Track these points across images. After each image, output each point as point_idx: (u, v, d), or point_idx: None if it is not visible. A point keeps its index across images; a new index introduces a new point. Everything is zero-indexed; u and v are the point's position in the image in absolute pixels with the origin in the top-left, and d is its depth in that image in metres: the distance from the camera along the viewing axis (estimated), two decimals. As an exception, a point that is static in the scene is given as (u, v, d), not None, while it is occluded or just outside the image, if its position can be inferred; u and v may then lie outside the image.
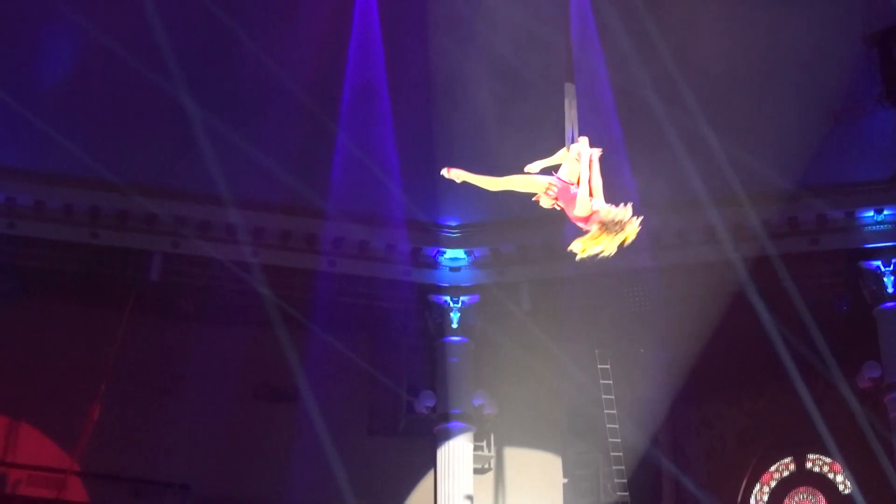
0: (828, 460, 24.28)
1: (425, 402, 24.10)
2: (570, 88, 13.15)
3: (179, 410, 23.61)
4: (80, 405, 22.82)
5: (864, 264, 22.68)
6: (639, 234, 12.13)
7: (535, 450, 24.56)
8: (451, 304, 24.20)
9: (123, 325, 22.74)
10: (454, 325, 24.17)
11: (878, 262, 22.60)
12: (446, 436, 23.98)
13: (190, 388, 23.60)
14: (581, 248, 12.05)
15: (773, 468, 24.79)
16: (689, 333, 22.76)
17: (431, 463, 24.07)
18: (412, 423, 24.33)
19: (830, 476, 24.31)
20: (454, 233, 23.97)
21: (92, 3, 21.02)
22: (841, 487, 24.14)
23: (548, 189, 12.40)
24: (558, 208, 12.49)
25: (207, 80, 21.64)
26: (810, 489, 24.46)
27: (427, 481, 24.16)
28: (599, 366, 23.69)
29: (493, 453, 24.54)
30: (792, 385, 22.16)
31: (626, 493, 23.14)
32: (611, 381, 23.48)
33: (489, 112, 22.27)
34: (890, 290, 22.54)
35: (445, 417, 24.02)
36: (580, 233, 12.22)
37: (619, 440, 23.47)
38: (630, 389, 23.81)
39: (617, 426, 23.46)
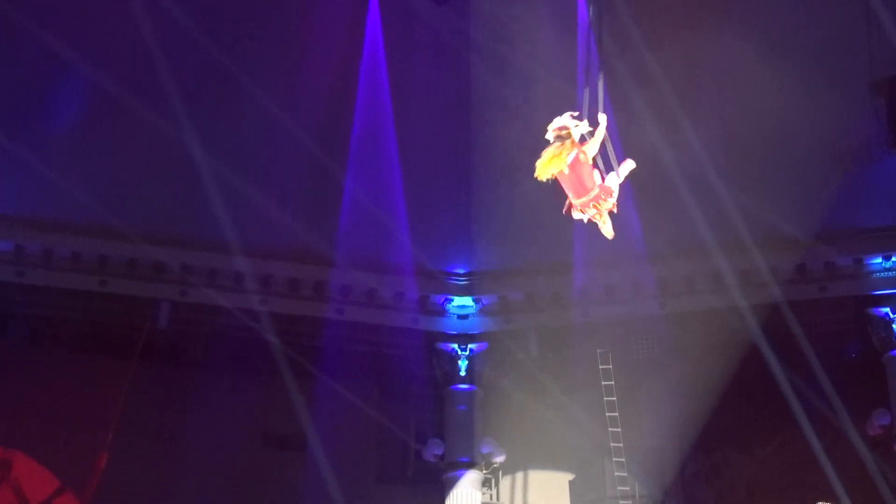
0: (838, 507, 24.14)
1: (433, 450, 24.05)
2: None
3: (187, 458, 23.47)
4: (87, 453, 22.78)
5: (872, 311, 22.68)
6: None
7: (544, 498, 24.47)
8: (459, 352, 24.19)
9: (131, 374, 22.72)
10: (462, 373, 24.15)
11: (887, 309, 22.60)
12: (454, 484, 23.94)
13: (198, 436, 23.49)
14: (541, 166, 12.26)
15: (783, 517, 24.68)
16: (698, 381, 22.71)
17: (440, 510, 24.07)
18: (420, 471, 24.25)
19: (840, 524, 24.16)
20: (462, 280, 23.99)
21: (101, 51, 21.14)
22: (851, 535, 23.98)
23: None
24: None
25: (216, 127, 21.78)
26: (821, 537, 24.30)
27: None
28: (608, 413, 23.61)
29: (501, 501, 24.44)
30: (801, 432, 22.11)
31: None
32: (619, 429, 23.42)
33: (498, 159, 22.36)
34: (899, 336, 22.57)
35: (453, 465, 23.98)
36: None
37: (627, 488, 23.38)
38: (639, 437, 23.72)
39: (626, 474, 23.37)
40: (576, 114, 12.90)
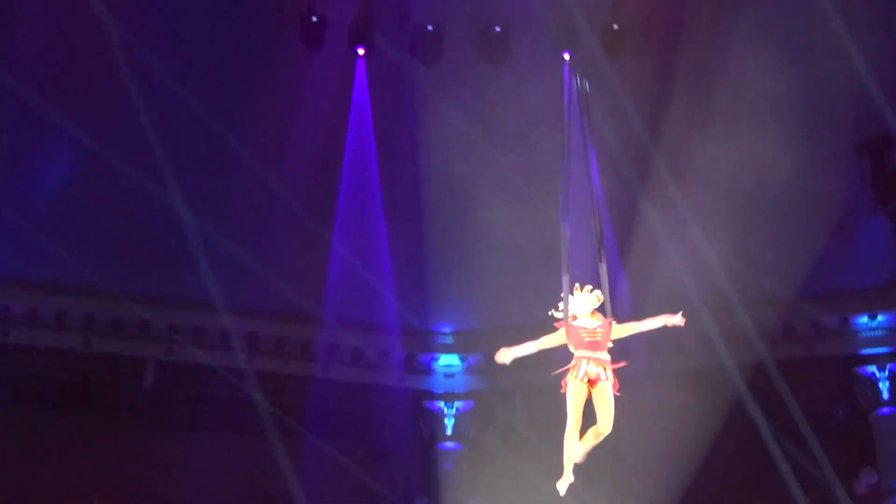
0: (826, 567, 24.07)
1: (420, 509, 24.02)
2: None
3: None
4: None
5: (859, 370, 22.72)
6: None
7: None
8: (446, 411, 24.19)
9: (116, 436, 22.70)
10: (448, 432, 24.14)
11: (874, 368, 22.65)
12: (442, 540, 23.95)
13: (183, 496, 23.36)
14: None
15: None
16: (685, 441, 22.67)
17: (427, 570, 23.97)
18: (407, 529, 24.21)
19: (829, 584, 24.08)
20: (448, 339, 23.99)
21: (87, 112, 21.18)
22: None
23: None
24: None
25: (202, 189, 21.80)
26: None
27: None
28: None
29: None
30: (789, 492, 22.09)
31: None
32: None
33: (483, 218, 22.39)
34: (885, 395, 22.57)
35: (441, 524, 23.96)
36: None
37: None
38: (626, 498, 23.62)
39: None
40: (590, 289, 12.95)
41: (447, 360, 24.11)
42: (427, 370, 24.17)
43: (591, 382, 12.66)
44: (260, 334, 23.31)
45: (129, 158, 20.93)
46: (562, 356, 13.19)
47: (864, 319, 22.62)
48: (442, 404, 24.21)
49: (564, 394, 12.89)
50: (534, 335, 22.63)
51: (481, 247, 22.56)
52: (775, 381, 21.82)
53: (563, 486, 13.06)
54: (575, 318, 12.96)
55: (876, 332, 22.60)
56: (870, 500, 22.71)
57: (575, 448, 12.80)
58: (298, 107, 22.13)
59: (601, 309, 13.12)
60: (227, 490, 23.51)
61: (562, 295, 13.10)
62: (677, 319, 12.91)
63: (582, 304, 12.87)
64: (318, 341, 23.55)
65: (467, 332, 23.87)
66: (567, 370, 12.85)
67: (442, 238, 22.90)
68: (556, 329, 13.03)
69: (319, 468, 23.38)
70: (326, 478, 23.48)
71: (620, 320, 13.27)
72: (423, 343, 24.04)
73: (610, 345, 12.98)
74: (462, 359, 24.04)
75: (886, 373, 22.58)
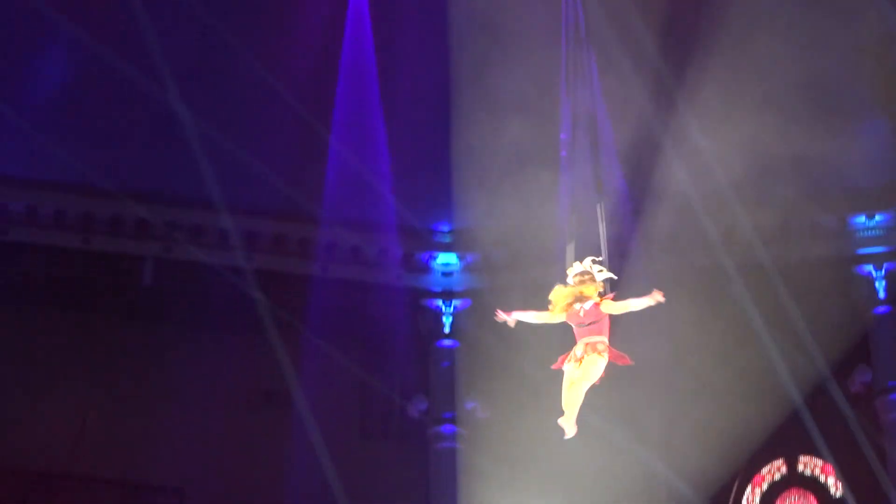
0: (819, 462, 24.30)
1: (418, 406, 24.17)
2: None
3: (173, 415, 23.47)
4: (71, 411, 22.84)
5: (856, 270, 22.80)
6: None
7: (528, 452, 24.50)
8: (444, 309, 24.26)
9: (115, 334, 22.80)
10: (446, 330, 24.24)
11: (870, 268, 22.72)
12: (439, 439, 24.09)
13: (183, 393, 23.44)
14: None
15: (764, 470, 24.79)
16: (682, 342, 22.79)
17: (425, 466, 24.15)
18: (405, 427, 24.37)
19: (822, 479, 24.33)
20: (446, 237, 24.01)
21: (84, 12, 21.01)
22: (832, 490, 24.14)
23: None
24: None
25: (200, 86, 21.71)
26: (801, 492, 24.47)
27: (420, 484, 24.19)
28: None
29: (485, 456, 24.52)
30: (783, 389, 22.27)
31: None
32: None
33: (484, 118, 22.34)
34: (881, 295, 22.66)
35: (438, 421, 24.11)
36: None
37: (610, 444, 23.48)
38: (622, 392, 23.73)
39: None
40: (599, 258, 12.77)
41: (445, 259, 24.13)
42: (425, 268, 24.17)
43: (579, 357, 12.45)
44: (259, 233, 23.30)
45: (128, 56, 20.82)
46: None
47: (861, 219, 22.65)
48: (440, 302, 24.26)
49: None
50: (530, 233, 22.88)
51: (481, 146, 22.51)
52: (773, 280, 21.90)
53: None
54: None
55: (873, 232, 22.63)
56: (864, 398, 22.91)
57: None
58: (297, 3, 21.96)
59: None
60: (227, 387, 23.62)
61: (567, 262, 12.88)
62: (660, 297, 12.68)
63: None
64: (317, 240, 23.55)
65: (465, 231, 23.84)
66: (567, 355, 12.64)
67: (441, 137, 22.82)
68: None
69: (318, 366, 23.48)
70: (325, 375, 23.60)
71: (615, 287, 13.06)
72: (421, 241, 24.03)
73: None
74: (460, 257, 24.06)
75: (883, 272, 22.67)
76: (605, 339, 12.48)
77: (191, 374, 23.40)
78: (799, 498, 24.52)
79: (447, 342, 24.27)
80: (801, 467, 24.60)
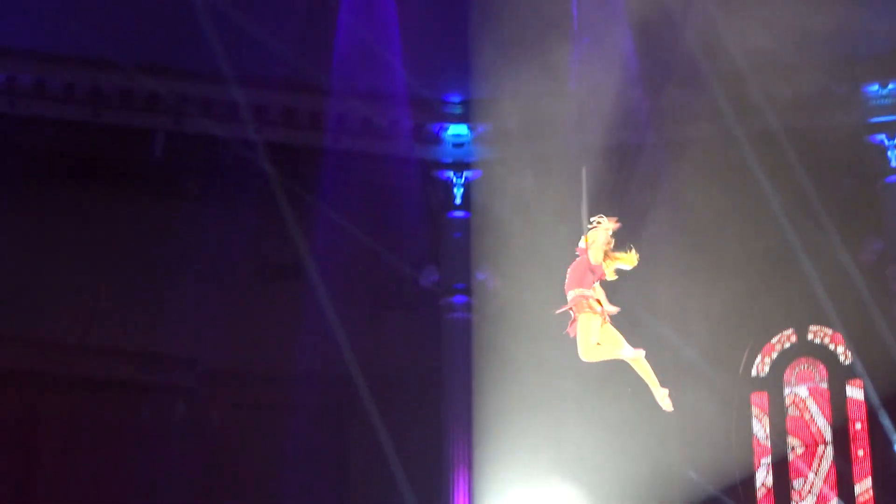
0: (829, 331, 24.44)
1: (429, 277, 24.29)
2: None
3: (185, 287, 23.63)
4: (83, 284, 22.99)
5: (868, 139, 22.70)
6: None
7: (540, 322, 24.60)
8: (455, 180, 24.25)
9: (125, 207, 22.84)
10: (457, 201, 24.26)
11: (883, 136, 22.63)
12: (450, 310, 24.25)
13: (195, 265, 23.55)
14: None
15: (774, 340, 24.96)
16: (694, 206, 22.77)
17: (436, 337, 24.33)
18: (417, 299, 24.49)
19: (831, 347, 24.50)
20: (457, 109, 23.92)
21: None
22: (842, 358, 24.32)
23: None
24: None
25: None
26: (811, 360, 24.67)
27: (431, 354, 24.38)
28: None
29: (496, 325, 24.64)
30: (795, 257, 22.32)
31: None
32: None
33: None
34: (894, 164, 22.60)
35: (449, 292, 24.26)
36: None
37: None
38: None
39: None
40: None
41: (456, 130, 24.06)
42: (436, 140, 24.12)
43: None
44: (269, 105, 23.21)
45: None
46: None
47: (874, 88, 22.51)
48: (451, 174, 24.25)
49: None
50: (541, 103, 22.74)
51: (492, 16, 22.31)
52: (785, 150, 21.82)
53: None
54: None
55: (887, 101, 22.50)
56: (874, 267, 22.93)
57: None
58: None
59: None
60: (239, 259, 23.72)
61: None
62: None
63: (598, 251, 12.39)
64: (328, 111, 23.47)
65: (476, 102, 23.72)
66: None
67: (452, 6, 22.63)
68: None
69: (330, 238, 23.55)
70: (337, 247, 23.67)
71: None
72: (432, 112, 23.94)
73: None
74: (471, 128, 23.98)
75: (895, 141, 22.59)
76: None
77: (202, 246, 23.46)
78: (808, 367, 24.71)
79: (458, 213, 24.30)
80: (810, 336, 24.76)
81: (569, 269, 12.23)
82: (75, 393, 23.10)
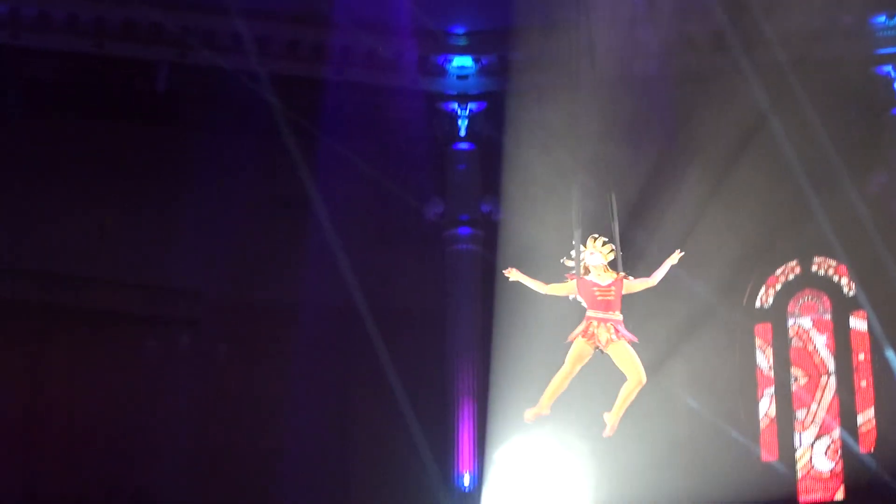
0: (833, 263, 24.43)
1: (434, 209, 24.32)
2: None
3: (190, 218, 23.60)
4: (89, 216, 23.01)
5: (875, 70, 22.62)
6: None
7: (544, 253, 24.58)
8: (459, 112, 24.21)
9: (129, 139, 22.82)
10: (462, 133, 24.24)
11: (889, 68, 22.56)
12: (455, 241, 24.31)
13: (200, 198, 23.51)
14: None
15: (778, 271, 24.98)
16: (701, 139, 22.75)
17: (441, 269, 24.38)
18: (421, 230, 24.49)
19: (835, 279, 24.51)
20: (462, 40, 23.83)
21: None
22: (846, 290, 24.34)
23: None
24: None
25: None
26: (815, 292, 24.68)
27: (436, 287, 24.44)
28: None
29: (501, 258, 24.66)
30: (799, 188, 22.33)
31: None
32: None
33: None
34: (899, 94, 22.59)
35: (454, 223, 24.29)
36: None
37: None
38: (633, 195, 23.66)
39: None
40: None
41: (461, 62, 24.00)
42: (441, 71, 24.05)
43: (603, 344, 12.16)
44: (273, 36, 23.14)
45: None
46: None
47: (882, 19, 22.40)
48: (455, 105, 24.21)
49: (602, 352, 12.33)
50: (546, 35, 22.63)
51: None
52: (790, 81, 21.77)
53: (530, 415, 12.55)
54: (588, 271, 12.40)
55: (893, 32, 22.36)
56: (880, 199, 22.91)
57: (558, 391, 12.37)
58: None
59: (613, 265, 12.63)
60: (244, 192, 23.60)
61: (573, 244, 12.58)
62: (675, 258, 12.54)
63: (596, 258, 12.34)
64: (331, 43, 23.38)
65: (481, 33, 23.66)
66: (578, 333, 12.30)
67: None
68: (567, 280, 12.54)
69: (335, 170, 23.54)
70: (342, 179, 23.66)
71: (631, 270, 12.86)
72: (436, 44, 23.85)
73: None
74: (475, 60, 23.91)
75: (903, 72, 22.58)
76: (619, 316, 12.21)
77: (207, 179, 23.41)
78: (812, 298, 24.74)
79: (463, 145, 24.30)
80: (815, 268, 24.75)
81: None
82: (81, 325, 23.17)
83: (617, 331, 11.91)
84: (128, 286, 23.56)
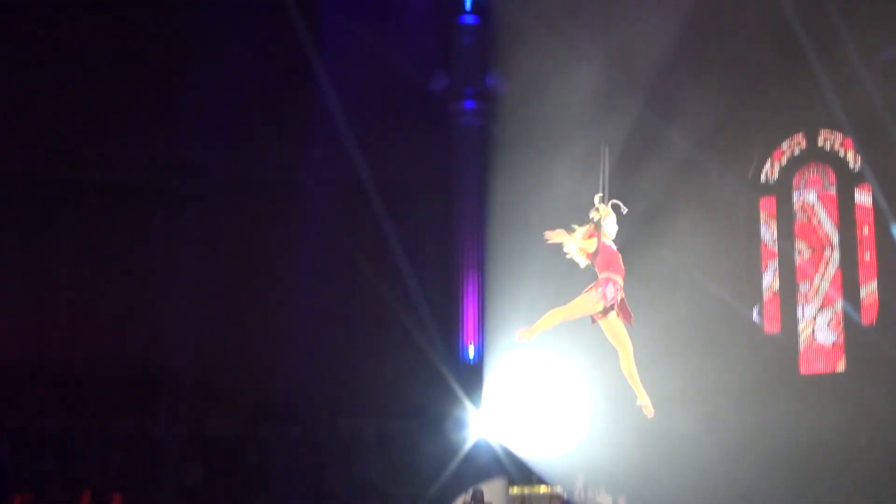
0: (840, 137, 24.33)
1: (439, 82, 24.21)
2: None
3: (195, 91, 23.45)
4: (97, 94, 22.95)
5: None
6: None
7: (549, 127, 24.51)
8: (465, -17, 24.07)
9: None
10: (467, 7, 24.07)
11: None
12: (461, 115, 24.26)
13: (205, 70, 23.34)
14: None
15: (784, 145, 24.91)
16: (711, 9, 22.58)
17: (446, 141, 24.36)
18: (427, 104, 24.41)
19: (841, 153, 24.43)
20: (467, -86, 23.65)
21: None
22: (851, 164, 24.27)
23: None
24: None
25: None
26: (820, 166, 24.63)
27: (442, 160, 24.42)
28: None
29: (505, 129, 24.57)
30: (806, 60, 22.19)
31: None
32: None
33: None
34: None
35: (459, 96, 24.21)
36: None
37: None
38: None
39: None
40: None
41: (469, -66, 23.84)
42: (447, -57, 23.90)
43: (605, 312, 11.85)
44: None
45: None
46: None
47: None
48: (461, -23, 24.06)
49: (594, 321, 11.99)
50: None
51: None
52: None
53: (520, 335, 12.22)
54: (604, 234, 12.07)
55: None
56: (888, 72, 22.64)
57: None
58: None
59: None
60: (248, 62, 23.42)
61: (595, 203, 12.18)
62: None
63: (612, 227, 12.02)
64: None
65: None
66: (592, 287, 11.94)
67: None
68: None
69: (340, 43, 23.40)
70: (346, 52, 23.54)
71: None
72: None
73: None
74: (481, -67, 23.72)
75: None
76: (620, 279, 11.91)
77: (212, 53, 23.22)
78: (817, 172, 24.70)
79: (469, 18, 24.13)
80: (821, 141, 24.67)
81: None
82: (89, 199, 23.18)
83: (623, 299, 11.73)
84: (134, 161, 23.50)
